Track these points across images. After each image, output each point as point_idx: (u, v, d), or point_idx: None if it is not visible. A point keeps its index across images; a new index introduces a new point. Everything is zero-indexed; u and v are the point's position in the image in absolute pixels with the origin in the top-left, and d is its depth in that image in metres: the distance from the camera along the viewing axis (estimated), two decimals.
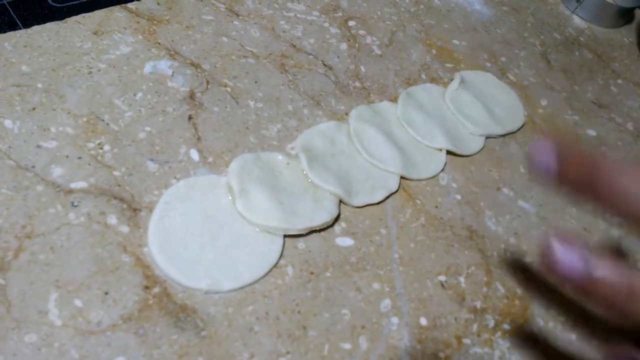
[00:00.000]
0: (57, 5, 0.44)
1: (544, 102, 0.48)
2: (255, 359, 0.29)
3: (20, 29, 0.41)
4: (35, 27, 0.40)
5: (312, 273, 0.33)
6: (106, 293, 0.29)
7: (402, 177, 0.38)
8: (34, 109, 0.35)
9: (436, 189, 0.39)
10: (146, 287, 0.30)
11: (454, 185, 0.39)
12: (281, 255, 0.33)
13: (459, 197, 0.39)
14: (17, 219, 0.31)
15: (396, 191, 0.38)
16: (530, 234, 0.38)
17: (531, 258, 0.37)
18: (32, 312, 0.28)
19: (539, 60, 0.52)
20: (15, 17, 0.43)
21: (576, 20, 0.58)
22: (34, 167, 0.33)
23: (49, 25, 0.40)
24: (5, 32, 0.40)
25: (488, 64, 0.49)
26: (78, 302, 0.29)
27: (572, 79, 0.51)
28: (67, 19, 0.41)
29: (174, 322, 0.29)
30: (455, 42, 0.50)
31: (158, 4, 0.44)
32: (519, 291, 0.35)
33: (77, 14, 0.43)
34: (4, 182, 0.32)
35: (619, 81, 0.53)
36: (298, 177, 0.36)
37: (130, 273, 0.30)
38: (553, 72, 0.51)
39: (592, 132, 0.47)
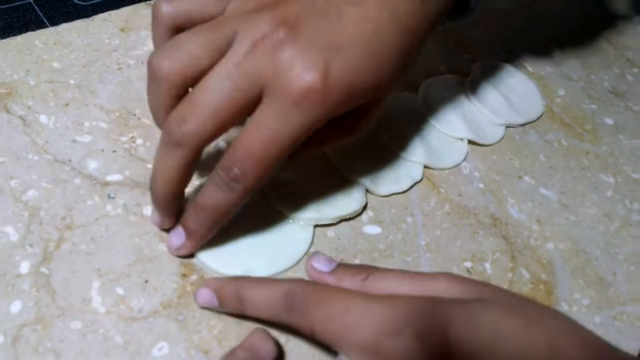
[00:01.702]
0: (82, 3, 0.45)
1: (561, 92, 0.48)
2: (291, 343, 0.30)
3: (47, 27, 0.42)
4: (64, 25, 0.41)
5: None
6: (146, 281, 0.30)
7: (425, 167, 0.39)
8: (67, 104, 0.36)
9: (459, 177, 0.40)
10: (184, 275, 0.31)
11: (477, 174, 0.40)
12: (312, 244, 0.34)
13: (481, 185, 0.40)
14: (57, 211, 0.32)
15: (420, 180, 0.38)
16: (552, 220, 0.39)
17: (553, 244, 0.38)
18: (76, 300, 0.29)
19: (555, 50, 0.52)
20: (41, 15, 0.44)
21: (591, 10, 0.59)
22: (70, 160, 0.34)
23: (77, 22, 0.41)
24: (33, 30, 0.41)
25: (505, 55, 0.50)
26: (119, 290, 0.30)
27: (589, 69, 0.52)
28: (94, 17, 0.42)
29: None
30: (473, 33, 0.51)
31: None
32: (544, 276, 0.36)
33: (101, 11, 0.44)
34: (43, 175, 0.33)
35: (635, 70, 0.53)
36: (326, 169, 0.37)
37: (168, 262, 0.31)
38: (569, 62, 0.52)
39: (609, 121, 0.47)
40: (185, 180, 0.29)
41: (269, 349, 0.28)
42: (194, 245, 0.30)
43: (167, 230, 0.32)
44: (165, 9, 0.30)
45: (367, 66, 0.28)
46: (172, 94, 0.27)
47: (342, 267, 0.29)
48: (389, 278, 0.28)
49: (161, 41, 0.30)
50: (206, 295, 0.29)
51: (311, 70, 0.26)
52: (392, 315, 0.23)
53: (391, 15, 0.29)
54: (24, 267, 0.30)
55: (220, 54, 0.27)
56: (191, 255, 0.31)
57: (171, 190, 0.29)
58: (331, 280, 0.29)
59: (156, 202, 0.30)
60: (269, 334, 0.28)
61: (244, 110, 0.27)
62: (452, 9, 0.34)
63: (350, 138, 0.33)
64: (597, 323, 0.35)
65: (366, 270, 0.28)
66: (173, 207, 0.30)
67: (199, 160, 0.28)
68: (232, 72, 0.26)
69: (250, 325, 0.30)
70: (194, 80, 0.27)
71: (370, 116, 0.32)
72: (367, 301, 0.24)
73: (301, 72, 0.26)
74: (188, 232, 0.30)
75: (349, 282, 0.28)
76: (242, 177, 0.27)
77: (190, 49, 0.27)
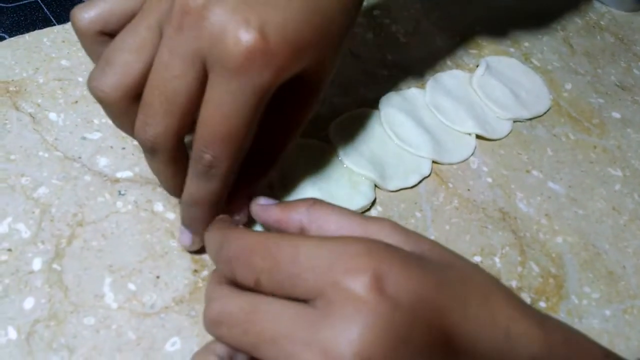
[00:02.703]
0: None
1: (568, 86, 0.48)
2: None
3: (54, 24, 0.42)
4: None
5: None
6: (157, 277, 0.30)
7: (433, 162, 0.39)
8: (76, 102, 0.37)
9: (467, 172, 0.40)
10: (195, 271, 0.31)
11: (485, 168, 0.40)
12: None
13: (489, 180, 0.40)
14: (68, 208, 0.32)
15: (429, 175, 0.38)
16: (561, 214, 0.39)
17: (562, 238, 0.38)
18: (88, 296, 0.29)
19: (562, 44, 0.52)
20: (48, 13, 0.44)
21: (596, 4, 0.59)
22: (80, 157, 0.34)
23: None
24: (40, 28, 0.41)
25: (512, 50, 0.50)
26: (132, 286, 0.30)
27: (595, 63, 0.51)
28: None
29: None
30: (479, 28, 0.51)
31: None
32: (553, 270, 0.36)
33: None
34: (53, 172, 0.33)
35: None
36: (334, 163, 0.37)
37: (179, 258, 0.31)
38: (576, 56, 0.52)
39: (616, 115, 0.47)
40: (180, 171, 0.28)
41: None
42: (201, 238, 0.30)
43: (177, 228, 0.32)
44: (85, 16, 0.28)
45: (306, 21, 0.26)
46: (122, 111, 0.27)
47: (286, 202, 0.29)
48: (332, 210, 0.26)
49: (94, 53, 0.29)
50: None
51: (246, 31, 0.24)
52: (349, 253, 0.22)
53: None
54: (37, 264, 0.30)
55: (154, 49, 0.26)
56: (203, 251, 0.32)
57: (175, 185, 0.29)
58: (276, 209, 0.28)
59: (176, 196, 0.30)
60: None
61: (198, 91, 0.25)
62: None
63: (308, 114, 0.31)
64: (607, 316, 0.35)
65: (311, 199, 0.27)
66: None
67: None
68: (169, 60, 0.25)
69: None
70: (138, 86, 0.26)
71: (321, 85, 0.30)
72: (320, 241, 0.23)
73: (235, 35, 0.24)
74: (190, 229, 0.30)
75: (294, 211, 0.27)
76: (216, 161, 0.26)
77: (120, 60, 0.26)
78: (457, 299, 0.23)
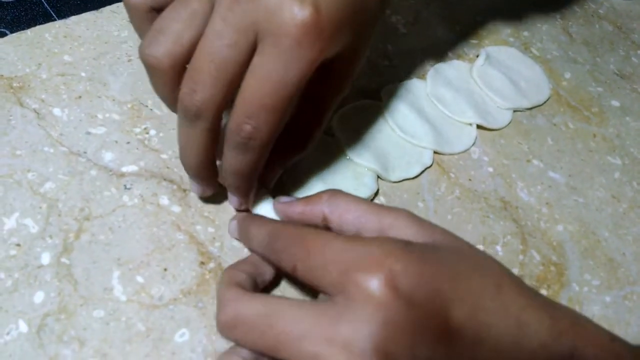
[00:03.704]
0: None
1: (567, 75, 0.49)
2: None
3: (54, 19, 0.42)
4: (73, 18, 0.41)
5: None
6: (165, 269, 0.31)
7: (435, 152, 0.40)
8: (80, 97, 0.37)
9: (469, 162, 0.40)
10: (202, 263, 0.31)
11: (486, 158, 0.41)
12: None
13: (491, 169, 0.40)
14: (75, 203, 0.32)
15: (430, 166, 0.39)
16: (561, 203, 0.39)
17: (563, 226, 0.38)
18: (97, 289, 0.30)
19: (561, 33, 0.52)
20: (48, 8, 0.44)
21: None
22: (85, 152, 0.34)
23: (85, 15, 0.42)
24: (41, 23, 0.42)
25: (511, 39, 0.50)
26: (140, 279, 0.30)
27: (594, 51, 0.52)
28: (102, 9, 0.42)
29: None
30: (479, 18, 0.51)
31: None
32: (554, 258, 0.36)
33: (109, 3, 0.44)
34: (59, 167, 0.33)
35: None
36: (337, 155, 0.37)
37: (186, 250, 0.32)
38: (575, 45, 0.52)
39: (616, 103, 0.48)
40: (213, 147, 0.29)
41: (268, 268, 0.30)
42: (247, 199, 0.32)
43: (183, 221, 0.32)
44: None
45: (349, 1, 0.27)
46: (170, 78, 0.27)
47: (306, 196, 0.31)
48: (351, 201, 0.28)
49: (143, 28, 0.30)
50: (233, 226, 0.32)
51: (302, 7, 0.25)
52: (368, 254, 0.24)
53: None
54: (45, 258, 0.30)
55: (204, 20, 0.26)
56: (208, 244, 0.32)
57: (203, 161, 0.29)
58: (299, 203, 0.30)
59: (192, 174, 0.31)
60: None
61: (245, 62, 0.26)
62: None
63: (341, 94, 0.32)
64: (607, 303, 0.35)
65: (330, 191, 0.29)
66: (209, 174, 0.31)
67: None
68: (222, 29, 0.25)
69: None
70: (188, 55, 0.27)
71: (355, 64, 0.31)
72: (346, 240, 0.25)
73: (292, 9, 0.25)
74: (235, 193, 0.31)
75: (315, 203, 0.29)
76: (255, 132, 0.27)
77: (172, 29, 0.27)
78: (470, 291, 0.24)
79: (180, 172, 0.34)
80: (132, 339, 0.28)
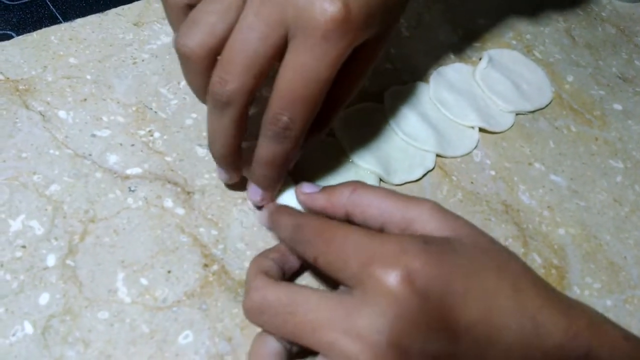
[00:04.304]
0: None
1: (570, 78, 0.49)
2: None
3: (60, 22, 0.43)
4: (79, 20, 0.42)
5: None
6: (169, 272, 0.31)
7: (437, 155, 0.40)
8: (85, 99, 0.37)
9: (471, 165, 0.40)
10: (205, 265, 0.32)
11: (488, 161, 0.41)
12: None
13: (492, 172, 0.40)
14: (80, 205, 0.33)
15: (433, 169, 0.39)
16: (563, 206, 0.40)
17: (564, 230, 0.38)
18: (102, 291, 0.30)
19: (564, 36, 0.53)
20: (54, 10, 0.44)
21: None
22: (90, 155, 0.35)
23: (90, 17, 0.42)
24: (46, 25, 0.42)
25: (514, 42, 0.50)
26: (144, 281, 0.31)
27: (597, 55, 0.52)
28: (107, 12, 0.43)
29: (234, 297, 0.31)
30: (481, 21, 0.51)
31: None
32: (555, 261, 0.36)
33: (114, 6, 0.44)
34: (64, 170, 0.34)
35: None
36: (340, 158, 0.37)
37: (189, 252, 0.32)
38: (578, 48, 0.52)
39: (618, 107, 0.48)
40: (241, 135, 0.30)
41: (295, 257, 0.30)
42: (271, 195, 0.33)
43: (187, 223, 0.32)
44: None
45: None
46: (203, 68, 0.29)
47: (329, 187, 0.31)
48: (374, 194, 0.29)
49: (178, 22, 0.31)
50: (263, 215, 0.33)
51: (332, 2, 0.26)
52: (387, 250, 0.24)
53: None
54: (50, 260, 0.30)
55: (237, 13, 0.28)
56: (212, 246, 0.32)
57: (231, 148, 0.31)
58: (321, 197, 0.30)
59: (220, 162, 0.32)
60: None
61: (275, 55, 0.28)
62: None
63: (360, 82, 0.33)
64: (608, 306, 0.35)
65: (352, 184, 0.30)
66: (236, 162, 0.32)
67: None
68: (254, 22, 0.27)
69: None
70: (220, 46, 0.28)
71: (377, 54, 0.32)
72: (365, 234, 0.26)
73: (323, 5, 0.26)
74: (261, 187, 0.32)
75: (338, 196, 0.30)
76: (291, 123, 0.28)
77: (206, 20, 0.28)
78: (485, 290, 0.25)
79: (183, 175, 0.35)
80: (136, 341, 0.29)
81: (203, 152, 0.36)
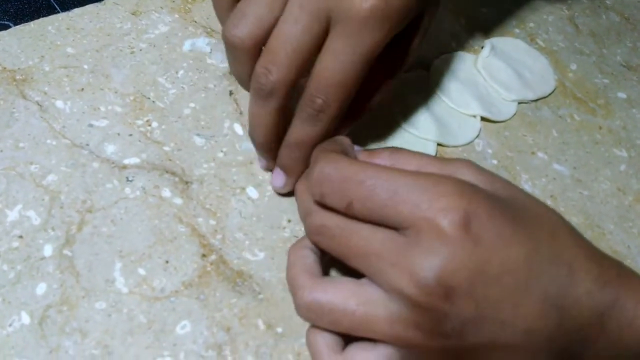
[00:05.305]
0: None
1: (573, 67, 0.48)
2: None
3: (57, 12, 0.42)
4: (76, 10, 0.41)
5: None
6: (167, 262, 0.31)
7: (438, 144, 0.39)
8: (82, 89, 0.37)
9: (472, 154, 0.40)
10: (203, 255, 0.31)
11: (490, 150, 0.40)
12: None
13: (495, 162, 0.40)
14: (78, 195, 0.32)
15: None
16: (566, 196, 0.39)
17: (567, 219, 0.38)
18: (99, 281, 0.30)
19: (567, 24, 0.52)
20: (51, 0, 0.44)
21: None
22: (88, 145, 0.34)
23: (88, 7, 0.41)
24: (44, 15, 0.42)
25: (517, 30, 0.49)
26: (141, 271, 0.30)
27: (601, 43, 0.51)
28: (105, 1, 0.42)
29: (232, 287, 0.31)
30: (484, 10, 0.50)
31: None
32: None
33: None
34: (62, 160, 0.33)
35: None
36: None
37: (187, 242, 0.32)
38: (581, 36, 0.51)
39: (622, 95, 0.47)
40: (283, 124, 0.31)
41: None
42: (294, 180, 0.33)
43: (185, 213, 0.32)
44: None
45: None
46: (250, 58, 0.30)
47: (367, 150, 0.32)
48: (412, 154, 0.30)
49: (225, 14, 0.32)
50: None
51: None
52: (442, 193, 0.25)
53: None
54: (47, 250, 0.30)
55: (282, 5, 0.29)
56: (210, 236, 0.32)
57: (271, 137, 0.32)
58: (362, 156, 0.31)
59: (261, 150, 0.33)
60: None
61: (318, 46, 0.29)
62: None
63: (401, 67, 0.35)
64: None
65: (391, 147, 0.31)
66: (276, 150, 0.33)
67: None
68: (299, 14, 0.28)
69: (269, 304, 0.30)
70: (266, 37, 0.29)
71: (416, 40, 0.34)
72: (416, 177, 0.25)
73: None
74: (286, 170, 0.33)
75: (378, 156, 0.30)
76: (326, 106, 0.29)
77: (254, 12, 0.29)
78: (529, 236, 0.25)
79: (181, 164, 0.35)
80: (134, 331, 0.28)
81: (201, 142, 0.36)
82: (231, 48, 0.30)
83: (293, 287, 0.27)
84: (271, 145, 0.32)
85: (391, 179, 0.25)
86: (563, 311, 0.25)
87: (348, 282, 0.26)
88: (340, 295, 0.26)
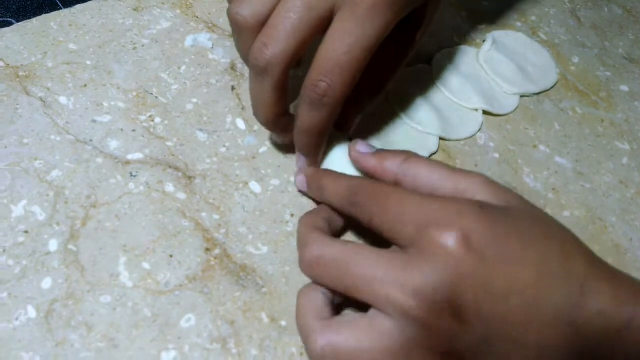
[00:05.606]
0: None
1: (575, 60, 0.48)
2: None
3: (60, 8, 0.42)
4: (78, 6, 0.41)
5: None
6: (171, 256, 0.31)
7: (441, 138, 0.39)
8: (85, 85, 0.37)
9: (474, 148, 0.40)
10: (207, 250, 0.32)
11: (492, 144, 0.40)
12: None
13: (497, 155, 0.40)
14: (82, 190, 0.33)
15: (436, 152, 0.39)
16: (568, 189, 0.39)
17: (569, 212, 0.38)
18: (104, 275, 0.30)
19: (569, 17, 0.52)
20: None
21: None
22: (91, 140, 0.35)
23: (90, 3, 0.42)
24: (46, 12, 0.42)
25: (519, 24, 0.49)
26: (146, 265, 0.31)
27: (603, 36, 0.51)
28: None
29: (236, 281, 0.31)
30: (485, 3, 0.50)
31: None
32: None
33: None
34: (65, 155, 0.34)
35: None
36: (342, 140, 0.37)
37: (191, 237, 0.32)
38: (583, 29, 0.51)
39: (624, 88, 0.47)
40: (282, 99, 0.31)
41: (339, 218, 0.32)
42: (314, 160, 0.33)
43: (188, 208, 0.32)
44: None
45: None
46: (254, 36, 0.30)
47: (382, 151, 0.32)
48: (425, 165, 0.29)
49: None
50: (301, 179, 0.33)
51: None
52: (444, 212, 0.25)
53: None
54: (53, 245, 0.30)
55: None
56: (214, 230, 0.32)
57: (273, 112, 0.31)
58: (373, 160, 0.31)
59: (266, 125, 0.33)
60: None
61: (318, 27, 0.29)
62: None
63: (412, 49, 0.35)
64: None
65: (405, 153, 0.31)
66: (283, 124, 0.33)
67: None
68: None
69: (272, 297, 0.31)
70: (271, 14, 0.29)
71: (425, 23, 0.34)
72: (423, 197, 0.26)
73: None
74: (305, 155, 0.33)
75: (390, 162, 0.30)
76: (330, 89, 0.29)
77: None
78: (538, 255, 0.25)
79: (184, 160, 0.35)
80: (139, 324, 0.29)
81: (204, 137, 0.36)
82: (235, 26, 0.30)
83: (304, 332, 0.27)
84: (274, 122, 0.32)
85: (401, 199, 0.27)
86: (577, 327, 0.25)
87: (358, 320, 0.26)
88: (353, 337, 0.25)
